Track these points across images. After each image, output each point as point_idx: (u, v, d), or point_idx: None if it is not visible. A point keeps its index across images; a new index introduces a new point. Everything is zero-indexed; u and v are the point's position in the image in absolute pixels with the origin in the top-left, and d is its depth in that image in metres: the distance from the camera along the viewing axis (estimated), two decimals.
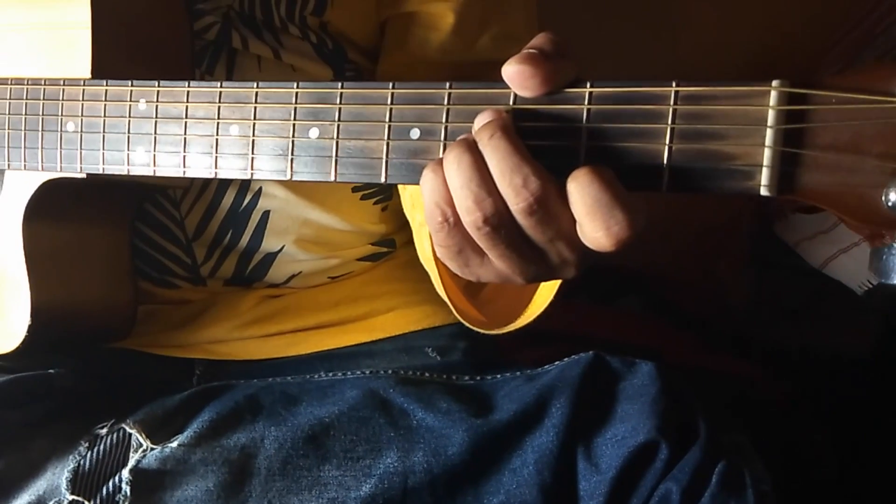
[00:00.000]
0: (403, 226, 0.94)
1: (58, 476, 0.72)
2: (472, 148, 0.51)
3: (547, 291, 0.65)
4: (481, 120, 0.53)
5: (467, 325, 0.72)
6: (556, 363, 0.75)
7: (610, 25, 1.52)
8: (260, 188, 0.84)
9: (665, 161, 0.50)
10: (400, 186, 0.83)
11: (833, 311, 1.34)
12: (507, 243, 0.53)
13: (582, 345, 0.76)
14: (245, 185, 0.84)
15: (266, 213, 0.85)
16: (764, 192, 0.48)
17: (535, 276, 0.56)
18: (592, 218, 0.49)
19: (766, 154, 0.48)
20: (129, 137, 0.66)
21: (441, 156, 0.54)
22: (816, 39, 1.44)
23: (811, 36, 1.46)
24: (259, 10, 0.81)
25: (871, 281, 1.21)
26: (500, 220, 0.51)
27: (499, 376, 0.79)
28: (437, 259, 0.65)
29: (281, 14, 0.81)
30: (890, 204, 0.46)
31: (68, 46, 0.69)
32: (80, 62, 0.68)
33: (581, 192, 0.49)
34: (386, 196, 0.90)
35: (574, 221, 0.50)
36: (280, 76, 0.82)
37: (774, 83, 0.47)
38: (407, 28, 0.83)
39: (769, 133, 0.47)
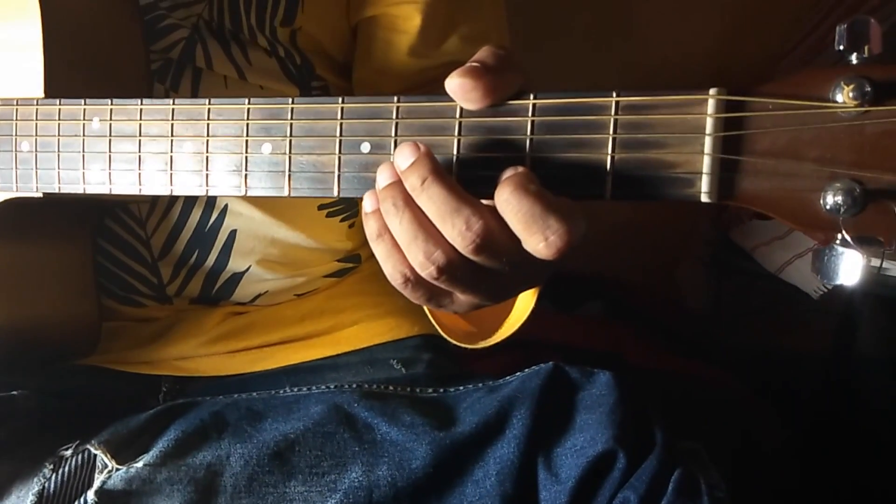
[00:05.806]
0: None
1: (22, 499, 0.72)
2: (410, 203, 0.52)
3: (525, 303, 0.66)
4: (404, 160, 0.52)
5: (454, 342, 0.72)
6: (517, 374, 0.76)
7: (571, 29, 1.53)
8: (226, 206, 0.84)
9: (608, 170, 0.50)
10: None
11: (790, 314, 1.36)
12: (467, 282, 0.53)
13: (546, 351, 0.77)
14: (211, 203, 0.84)
15: (233, 233, 0.85)
16: (705, 198, 0.49)
17: (505, 295, 0.58)
18: (530, 232, 0.49)
19: (706, 161, 0.48)
20: (83, 156, 0.66)
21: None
22: (770, 48, 1.46)
23: (764, 44, 1.48)
24: (228, 19, 0.81)
25: (825, 285, 1.23)
26: (453, 266, 0.52)
27: (461, 388, 0.79)
28: None
29: (251, 23, 0.81)
30: (828, 207, 0.47)
31: (21, 66, 0.69)
32: (33, 82, 0.68)
33: (513, 211, 0.49)
34: (352, 213, 0.90)
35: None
36: (247, 95, 0.82)
37: (712, 91, 0.48)
38: (374, 33, 0.83)
39: (708, 140, 0.48)
